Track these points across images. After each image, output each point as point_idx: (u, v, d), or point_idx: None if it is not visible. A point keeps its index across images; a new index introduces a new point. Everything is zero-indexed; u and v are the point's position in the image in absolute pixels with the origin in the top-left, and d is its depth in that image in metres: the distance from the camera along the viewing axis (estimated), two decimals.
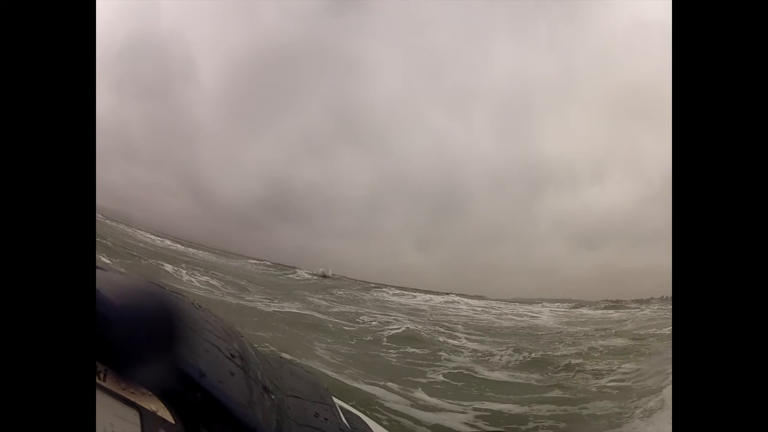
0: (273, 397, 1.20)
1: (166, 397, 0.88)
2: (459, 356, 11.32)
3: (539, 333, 17.56)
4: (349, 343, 11.13)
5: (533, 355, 11.64)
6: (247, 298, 15.66)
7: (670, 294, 0.96)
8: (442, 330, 15.36)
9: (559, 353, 12.43)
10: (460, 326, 16.92)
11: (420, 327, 14.97)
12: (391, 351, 10.98)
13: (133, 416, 0.82)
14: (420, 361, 10.16)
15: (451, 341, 13.37)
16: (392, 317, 16.62)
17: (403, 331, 13.48)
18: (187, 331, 0.95)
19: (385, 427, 2.48)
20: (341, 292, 24.26)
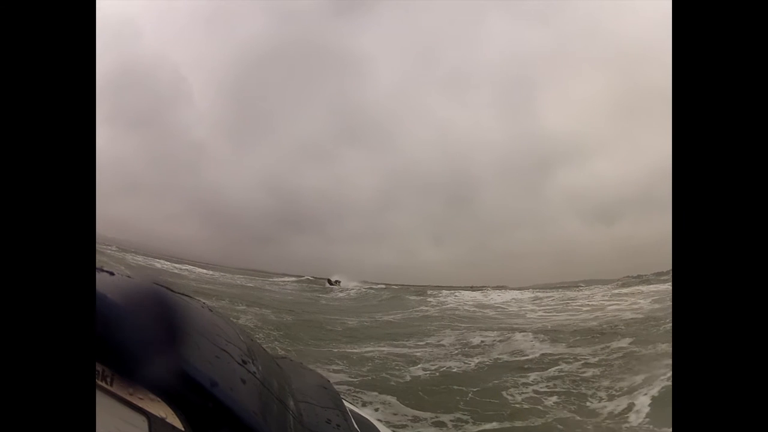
0: (285, 404, 1.19)
1: (177, 405, 0.87)
2: None
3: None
4: None
5: None
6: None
7: None
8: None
9: None
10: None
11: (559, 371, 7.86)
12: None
13: (141, 422, 0.82)
14: None
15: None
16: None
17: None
18: (195, 335, 0.94)
19: None
20: (398, 318, 15.83)
